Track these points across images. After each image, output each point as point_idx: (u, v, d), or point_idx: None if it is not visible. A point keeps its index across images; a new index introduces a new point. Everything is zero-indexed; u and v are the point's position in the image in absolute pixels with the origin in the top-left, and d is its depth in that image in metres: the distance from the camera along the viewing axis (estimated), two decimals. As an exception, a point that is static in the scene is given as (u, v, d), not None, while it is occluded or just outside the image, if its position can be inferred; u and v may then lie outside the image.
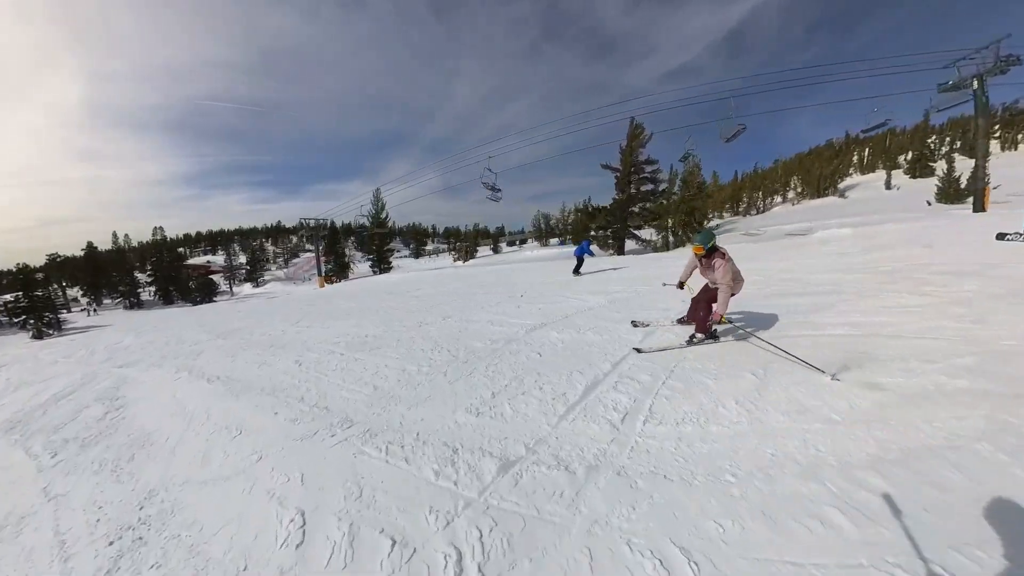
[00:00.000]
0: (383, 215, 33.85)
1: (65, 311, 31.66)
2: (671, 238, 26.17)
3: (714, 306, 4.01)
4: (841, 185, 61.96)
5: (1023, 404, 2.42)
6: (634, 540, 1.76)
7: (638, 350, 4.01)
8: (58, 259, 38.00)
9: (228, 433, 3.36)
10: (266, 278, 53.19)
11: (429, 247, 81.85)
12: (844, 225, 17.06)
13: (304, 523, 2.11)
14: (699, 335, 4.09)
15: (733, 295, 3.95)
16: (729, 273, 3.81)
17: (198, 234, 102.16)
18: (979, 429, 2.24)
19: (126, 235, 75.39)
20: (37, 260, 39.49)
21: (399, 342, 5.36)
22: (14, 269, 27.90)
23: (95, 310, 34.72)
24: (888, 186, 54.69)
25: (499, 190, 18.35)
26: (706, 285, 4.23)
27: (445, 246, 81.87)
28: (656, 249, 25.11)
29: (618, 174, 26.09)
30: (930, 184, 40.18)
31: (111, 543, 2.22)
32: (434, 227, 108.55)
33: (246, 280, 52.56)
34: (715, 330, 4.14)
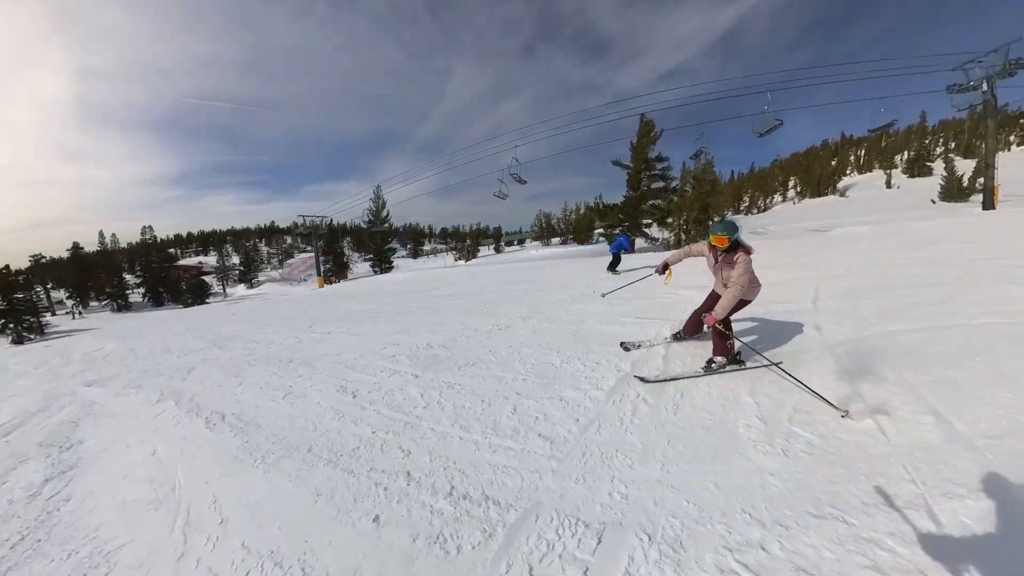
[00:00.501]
0: (384, 213, 32.86)
1: (49, 314, 30.27)
2: (683, 236, 25.58)
3: (716, 312, 3.11)
4: (840, 184, 62.16)
5: None
6: None
7: (642, 379, 3.17)
8: (42, 260, 36.45)
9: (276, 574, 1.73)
10: (261, 279, 51.74)
11: (427, 247, 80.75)
12: (861, 224, 17.16)
13: None
14: (718, 359, 3.23)
15: (747, 303, 3.23)
16: (747, 273, 3.04)
17: (189, 235, 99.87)
18: None
19: (113, 235, 73.05)
20: (22, 263, 37.88)
21: (492, 353, 4.08)
22: (-7, 271, 26.45)
23: (80, 313, 33.20)
24: (889, 185, 54.92)
25: (525, 181, 18.35)
26: (713, 292, 3.42)
27: (443, 246, 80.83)
28: (669, 247, 24.51)
29: (629, 171, 25.73)
30: (928, 183, 40.43)
31: None
32: (430, 227, 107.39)
33: (240, 281, 51.07)
34: (739, 353, 3.27)
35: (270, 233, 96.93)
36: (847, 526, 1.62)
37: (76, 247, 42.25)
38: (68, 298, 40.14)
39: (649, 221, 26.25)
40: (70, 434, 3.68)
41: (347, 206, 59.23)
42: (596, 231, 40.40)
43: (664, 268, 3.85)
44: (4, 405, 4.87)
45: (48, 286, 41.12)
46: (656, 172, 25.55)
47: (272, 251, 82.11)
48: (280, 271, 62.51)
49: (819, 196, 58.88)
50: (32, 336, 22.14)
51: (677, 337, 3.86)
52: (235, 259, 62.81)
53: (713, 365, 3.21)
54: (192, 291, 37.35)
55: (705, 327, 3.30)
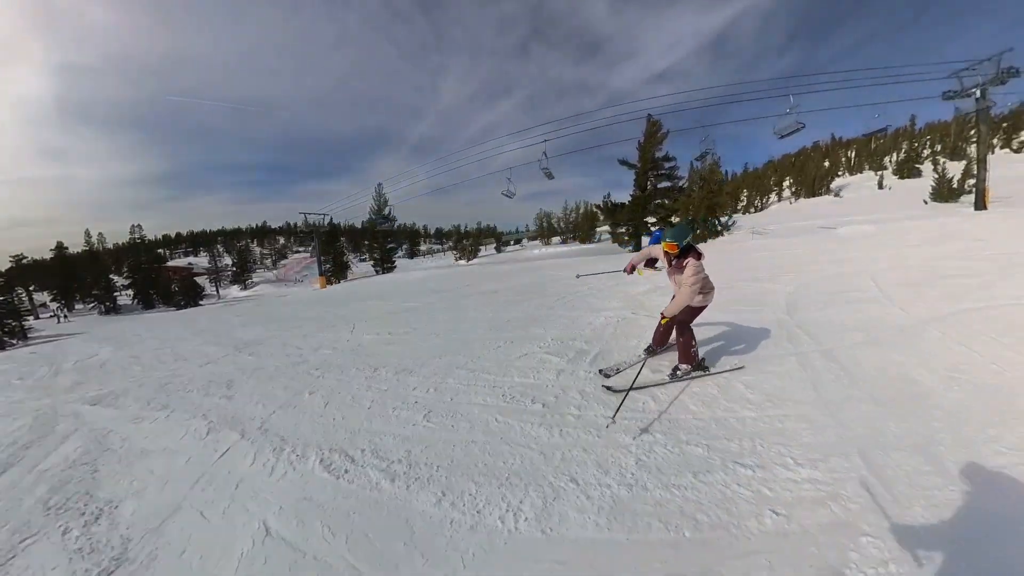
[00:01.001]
0: (386, 211, 32.21)
1: (32, 318, 28.96)
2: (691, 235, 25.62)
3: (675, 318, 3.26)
4: (833, 185, 63.10)
5: None
6: None
7: (608, 388, 3.21)
8: (23, 260, 34.96)
9: None
10: (255, 280, 50.51)
11: (423, 247, 79.99)
12: (864, 222, 17.47)
13: None
14: (683, 366, 3.25)
15: (703, 307, 3.29)
16: (695, 276, 3.09)
17: (178, 235, 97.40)
18: None
19: (100, 235, 70.66)
20: (3, 263, 36.29)
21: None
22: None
23: (65, 316, 31.85)
24: (881, 186, 55.93)
25: (553, 176, 18.26)
26: (673, 296, 3.47)
27: (439, 246, 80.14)
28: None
29: (636, 170, 25.81)
30: (918, 184, 41.21)
31: None
32: (425, 227, 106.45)
33: (233, 282, 49.78)
34: (703, 359, 3.34)
35: (262, 233, 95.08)
36: None
37: (60, 247, 40.74)
38: (52, 300, 38.62)
39: (655, 220, 26.24)
40: (91, 489, 2.33)
41: (345, 205, 58.25)
42: (599, 230, 40.28)
43: (632, 269, 3.92)
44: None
45: (31, 288, 39.52)
46: (663, 172, 25.55)
47: (265, 251, 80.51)
48: (276, 272, 61.21)
49: (814, 196, 59.65)
50: (14, 342, 21.05)
51: (650, 351, 3.76)
52: (227, 260, 61.31)
53: (679, 372, 3.23)
54: (184, 293, 36.17)
55: (673, 336, 3.38)
